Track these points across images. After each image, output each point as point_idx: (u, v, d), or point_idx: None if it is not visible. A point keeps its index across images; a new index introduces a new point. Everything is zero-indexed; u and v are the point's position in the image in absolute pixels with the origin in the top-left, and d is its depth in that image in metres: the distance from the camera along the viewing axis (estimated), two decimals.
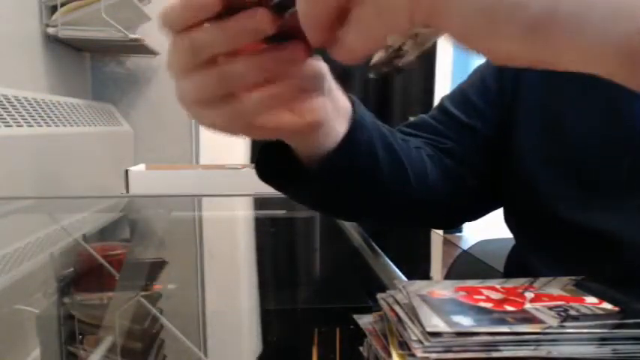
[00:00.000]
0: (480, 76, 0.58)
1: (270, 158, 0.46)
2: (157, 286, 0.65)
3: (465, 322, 0.29)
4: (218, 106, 0.34)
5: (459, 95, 0.59)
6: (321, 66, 0.37)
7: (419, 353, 0.27)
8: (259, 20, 0.30)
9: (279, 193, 0.48)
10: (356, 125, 0.44)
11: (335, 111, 0.42)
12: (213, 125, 0.36)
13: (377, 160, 0.46)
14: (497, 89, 0.56)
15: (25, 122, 1.17)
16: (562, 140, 0.50)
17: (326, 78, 0.38)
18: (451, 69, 2.63)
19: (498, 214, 0.60)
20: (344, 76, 0.39)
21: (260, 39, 0.32)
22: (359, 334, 0.35)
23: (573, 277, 0.37)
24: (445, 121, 0.57)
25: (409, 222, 0.59)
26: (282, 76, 0.34)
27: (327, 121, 0.41)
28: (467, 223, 0.63)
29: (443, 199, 0.54)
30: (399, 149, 0.49)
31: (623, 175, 0.46)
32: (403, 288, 0.34)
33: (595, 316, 0.30)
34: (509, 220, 0.59)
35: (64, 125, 1.39)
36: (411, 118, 0.61)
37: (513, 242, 0.61)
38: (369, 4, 0.26)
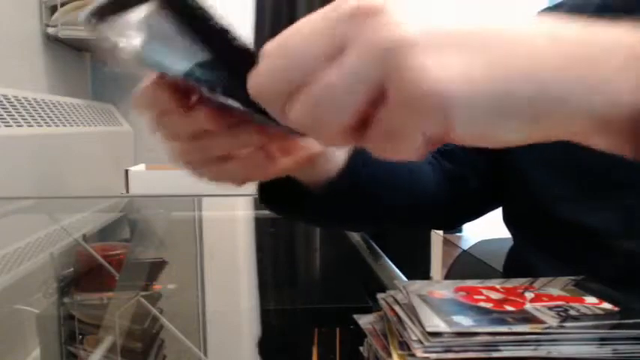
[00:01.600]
0: None
1: (270, 184, 0.46)
2: (157, 286, 0.65)
3: (465, 322, 0.29)
4: (206, 167, 0.36)
5: None
6: None
7: (419, 353, 0.27)
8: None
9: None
10: (357, 149, 0.44)
11: None
12: (204, 179, 0.37)
13: (380, 180, 0.47)
14: None
15: (25, 122, 1.17)
16: (560, 140, 0.50)
17: None
18: None
19: (498, 214, 0.60)
20: None
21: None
22: (359, 334, 0.35)
23: (573, 277, 0.37)
24: None
25: (410, 224, 0.59)
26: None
27: (326, 149, 0.40)
28: (467, 222, 0.63)
29: (445, 201, 0.54)
30: (402, 165, 0.49)
31: (622, 175, 0.46)
32: (403, 288, 0.34)
33: (595, 316, 0.30)
34: (508, 220, 0.59)
35: (64, 125, 1.39)
36: None
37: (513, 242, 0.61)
38: (378, 137, 0.25)
